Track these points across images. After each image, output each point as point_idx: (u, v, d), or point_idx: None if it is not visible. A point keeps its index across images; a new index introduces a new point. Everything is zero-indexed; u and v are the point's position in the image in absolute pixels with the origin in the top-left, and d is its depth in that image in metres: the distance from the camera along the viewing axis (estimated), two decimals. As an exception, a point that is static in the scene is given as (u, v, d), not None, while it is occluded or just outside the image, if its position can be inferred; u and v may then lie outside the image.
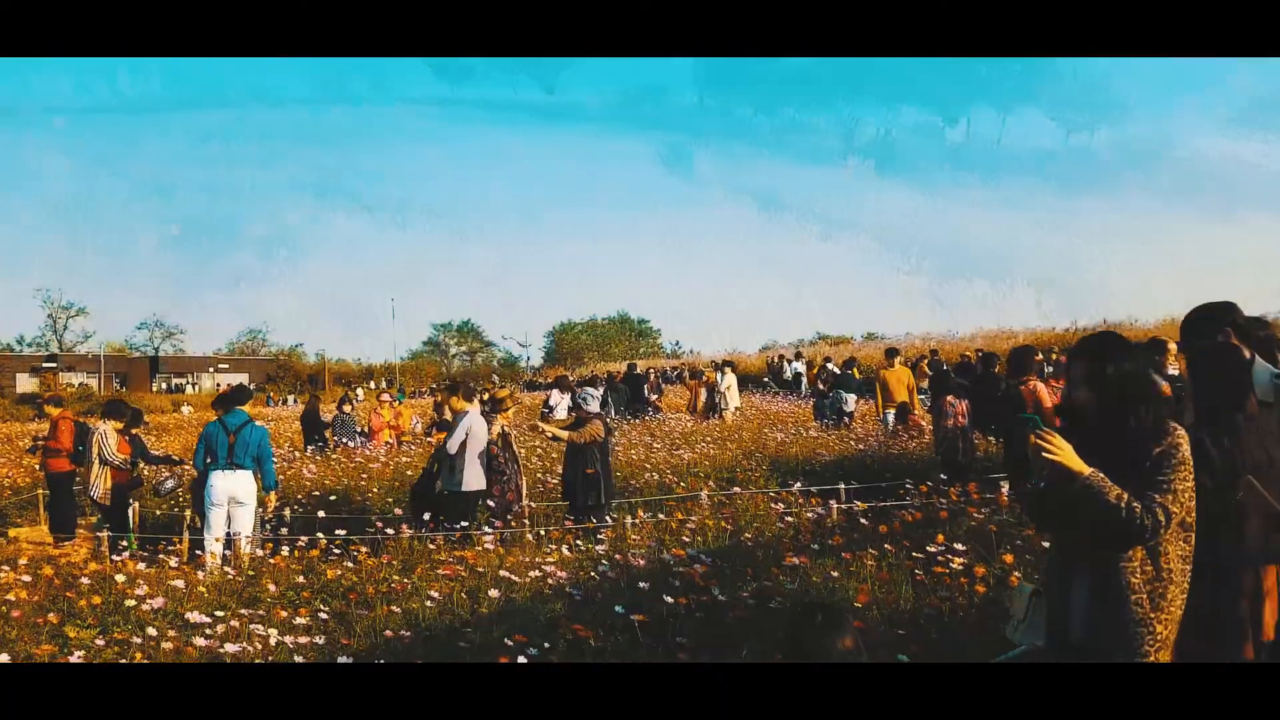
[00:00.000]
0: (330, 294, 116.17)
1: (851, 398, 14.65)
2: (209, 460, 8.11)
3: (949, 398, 9.27)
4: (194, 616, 4.50)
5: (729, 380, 16.88)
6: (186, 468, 9.80)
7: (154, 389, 61.42)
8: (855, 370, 15.48)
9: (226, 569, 6.56)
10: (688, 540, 6.01)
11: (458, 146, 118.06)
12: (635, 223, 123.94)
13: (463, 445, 7.76)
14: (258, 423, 8.47)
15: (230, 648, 3.96)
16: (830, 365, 20.39)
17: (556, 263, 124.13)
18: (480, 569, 5.02)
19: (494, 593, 4.54)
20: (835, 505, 6.94)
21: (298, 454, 13.53)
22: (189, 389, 61.98)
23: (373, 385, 50.98)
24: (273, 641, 4.19)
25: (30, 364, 59.20)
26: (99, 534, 8.61)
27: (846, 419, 14.13)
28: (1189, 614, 2.88)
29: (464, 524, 7.30)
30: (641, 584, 4.65)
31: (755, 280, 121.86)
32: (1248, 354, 3.83)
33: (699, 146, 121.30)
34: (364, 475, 10.27)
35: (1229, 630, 3.38)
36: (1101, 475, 2.62)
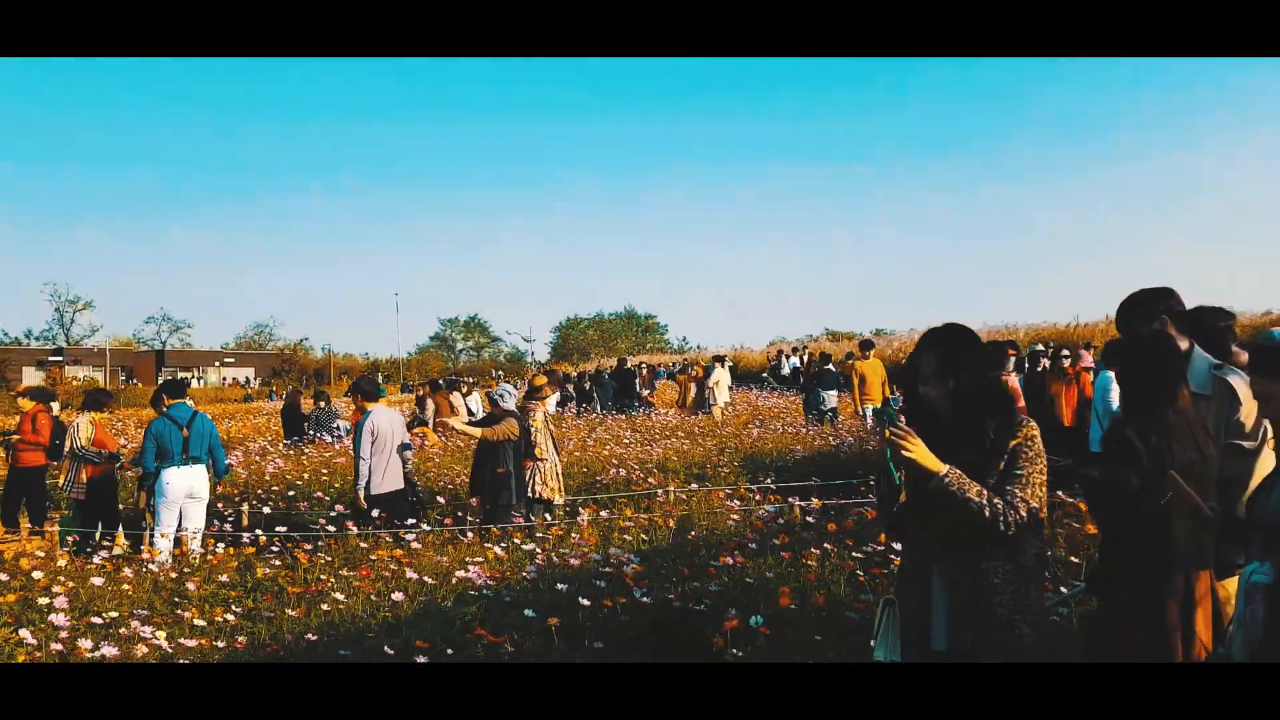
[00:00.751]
0: (337, 288, 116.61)
1: (831, 394, 14.43)
2: (159, 458, 7.96)
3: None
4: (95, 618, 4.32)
5: (717, 375, 16.66)
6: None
7: (159, 382, 61.53)
8: (832, 365, 15.19)
9: (167, 566, 6.39)
10: (630, 539, 5.80)
11: (463, 141, 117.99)
12: (643, 218, 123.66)
13: (372, 447, 7.47)
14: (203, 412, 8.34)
15: (109, 650, 3.78)
16: (829, 364, 20.15)
17: (565, 258, 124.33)
18: (409, 571, 4.80)
19: (398, 596, 4.33)
20: (795, 502, 6.72)
21: (270, 449, 13.35)
22: (195, 383, 62.09)
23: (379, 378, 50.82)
24: (162, 645, 4.01)
25: (37, 357, 59.42)
26: (53, 529, 8.46)
27: (830, 415, 13.90)
28: (1119, 621, 2.83)
29: (397, 523, 7.09)
30: (560, 585, 4.44)
31: (765, 276, 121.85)
32: (1185, 344, 3.61)
33: (710, 140, 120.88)
34: (326, 471, 10.09)
35: (1158, 638, 3.18)
36: (959, 472, 2.52)
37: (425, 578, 4.63)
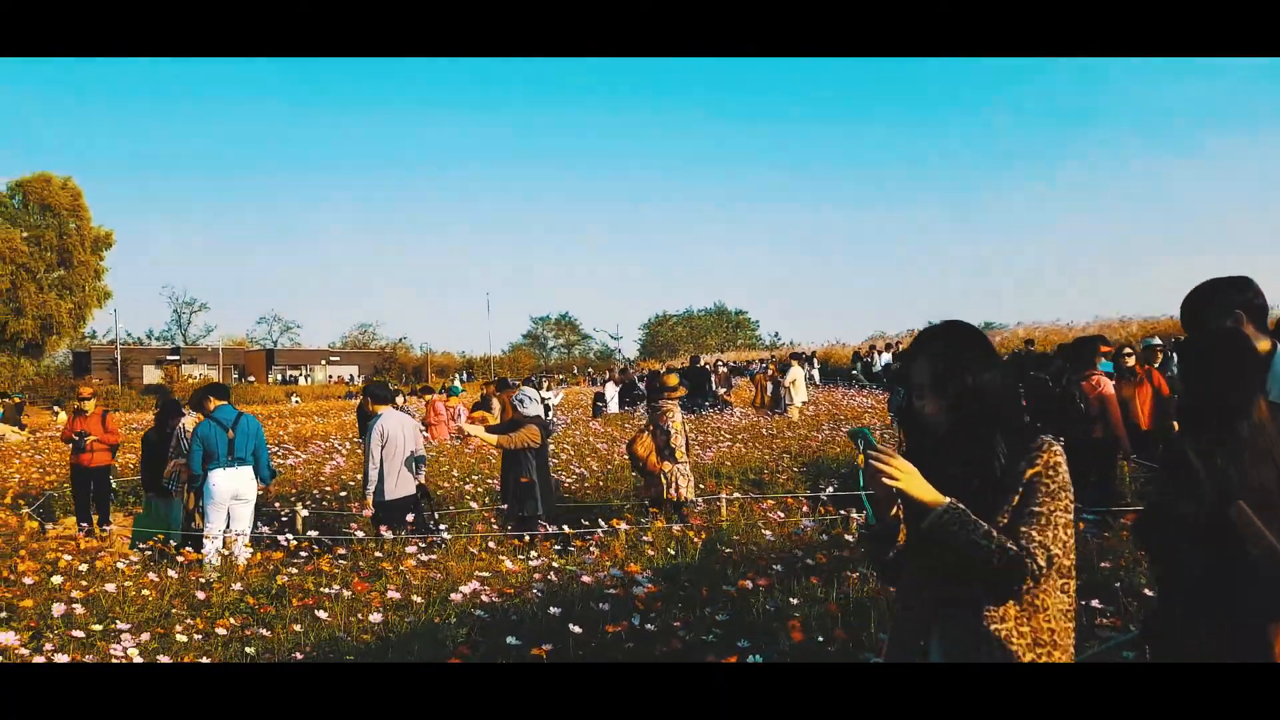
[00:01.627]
0: (435, 289, 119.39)
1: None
2: (206, 460, 7.96)
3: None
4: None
5: (793, 373, 16.03)
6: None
7: (270, 380, 64.00)
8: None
9: (210, 569, 6.32)
10: (653, 555, 5.40)
11: (551, 140, 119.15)
12: (736, 212, 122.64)
13: (382, 451, 7.30)
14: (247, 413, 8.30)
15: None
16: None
17: (655, 254, 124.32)
18: (390, 591, 4.50)
19: (375, 617, 4.04)
20: (851, 515, 6.20)
21: (338, 448, 13.43)
22: (301, 380, 64.39)
23: (460, 377, 51.65)
24: (134, 656, 3.83)
25: (156, 356, 62.51)
26: (110, 529, 8.56)
27: None
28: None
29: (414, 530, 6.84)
30: (553, 610, 4.07)
31: (862, 270, 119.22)
32: (1265, 345, 3.02)
33: (802, 136, 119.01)
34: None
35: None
36: (961, 507, 2.00)
37: (414, 596, 4.33)
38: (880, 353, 28.39)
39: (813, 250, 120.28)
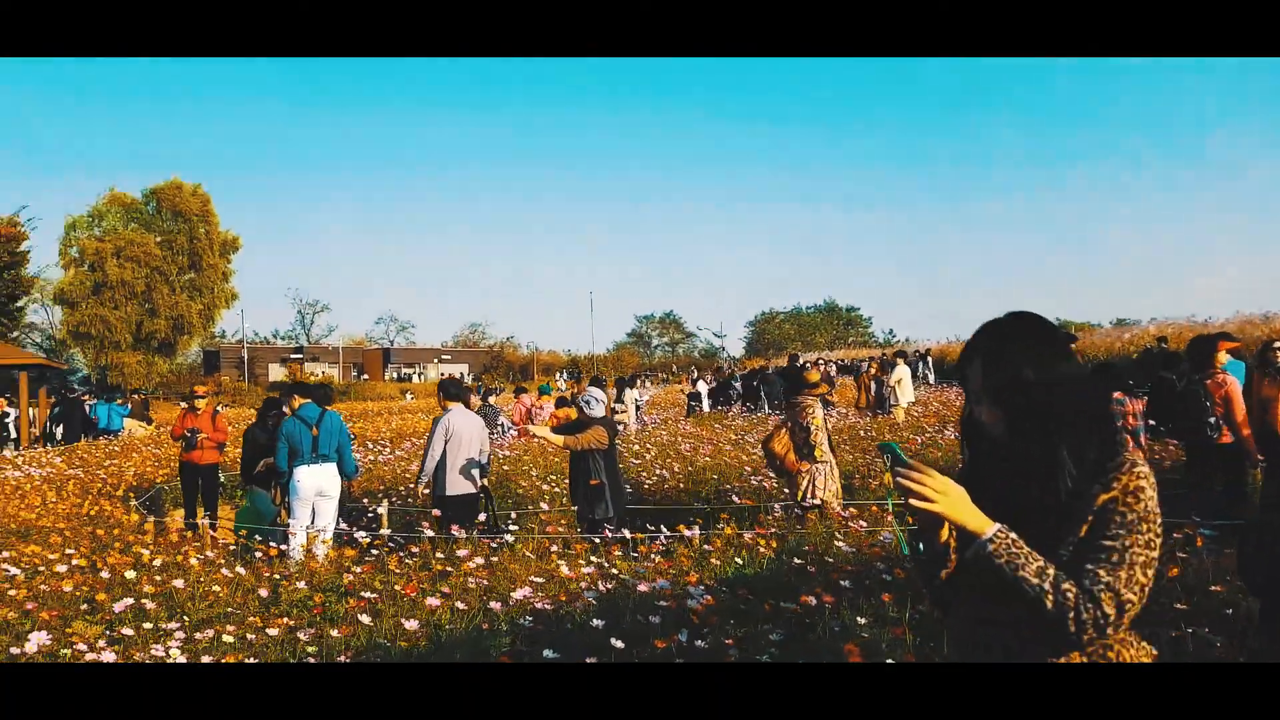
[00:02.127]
0: (542, 288, 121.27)
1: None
2: (291, 457, 8.08)
3: (1116, 394, 7.71)
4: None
5: (898, 372, 15.38)
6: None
7: (385, 378, 66.20)
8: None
9: (293, 564, 6.37)
10: (717, 564, 5.10)
11: (655, 137, 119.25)
12: (850, 209, 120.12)
13: (446, 446, 7.28)
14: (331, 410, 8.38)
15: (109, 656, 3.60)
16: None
17: (761, 251, 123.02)
18: (431, 599, 4.34)
19: (411, 624, 3.88)
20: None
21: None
22: (415, 378, 66.34)
23: (562, 376, 52.19)
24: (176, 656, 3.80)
25: (281, 355, 65.49)
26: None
27: None
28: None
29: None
30: (596, 622, 3.84)
31: (983, 263, 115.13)
32: None
33: (917, 133, 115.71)
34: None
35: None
36: (1011, 537, 1.68)
37: (458, 603, 4.17)
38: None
39: (930, 244, 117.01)
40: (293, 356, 64.26)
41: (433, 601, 4.12)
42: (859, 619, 3.96)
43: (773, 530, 5.68)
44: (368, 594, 4.50)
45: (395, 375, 67.16)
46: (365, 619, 4.10)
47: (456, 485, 7.32)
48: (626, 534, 6.30)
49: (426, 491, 7.83)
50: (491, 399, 17.83)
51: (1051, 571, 1.64)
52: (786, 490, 6.89)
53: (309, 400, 8.36)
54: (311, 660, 4.00)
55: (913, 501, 1.71)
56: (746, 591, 4.56)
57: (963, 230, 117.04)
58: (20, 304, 31.00)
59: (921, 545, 1.86)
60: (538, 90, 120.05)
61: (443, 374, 67.70)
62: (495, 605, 4.10)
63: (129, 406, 23.22)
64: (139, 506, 10.42)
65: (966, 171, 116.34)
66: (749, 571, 5.04)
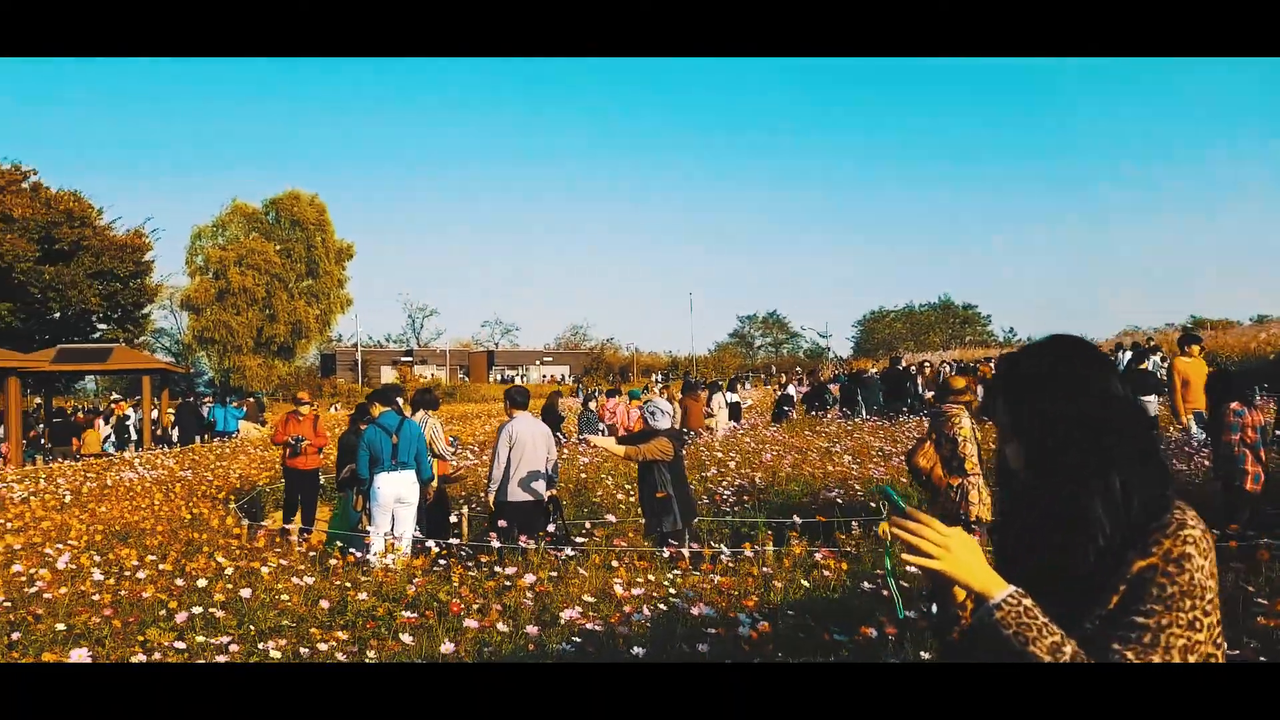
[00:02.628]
0: (643, 290, 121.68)
1: (1150, 400, 11.89)
2: (372, 464, 8.15)
3: (1233, 404, 7.02)
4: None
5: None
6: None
7: (490, 380, 67.61)
8: (1151, 362, 12.59)
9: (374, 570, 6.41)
10: (780, 585, 4.82)
11: (759, 134, 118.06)
12: (964, 199, 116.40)
13: (509, 453, 7.31)
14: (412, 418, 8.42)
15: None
16: (1144, 360, 17.01)
17: (867, 249, 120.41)
18: (468, 620, 4.19)
19: (447, 647, 3.75)
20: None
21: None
22: (518, 380, 67.49)
23: (658, 377, 52.08)
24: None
25: (392, 358, 67.64)
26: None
27: None
28: None
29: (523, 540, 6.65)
30: (636, 650, 3.64)
31: (1112, 258, 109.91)
32: None
33: (1050, 124, 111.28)
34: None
35: None
36: (1025, 604, 1.41)
37: (499, 625, 4.02)
38: (1125, 350, 25.47)
39: (1055, 235, 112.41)
40: (403, 359, 66.25)
41: (471, 623, 3.98)
42: (922, 654, 3.64)
43: (848, 549, 5.35)
44: (408, 613, 4.41)
45: (499, 377, 68.47)
46: (406, 638, 4.00)
47: (518, 493, 7.28)
48: (691, 549, 6.09)
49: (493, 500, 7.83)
50: (592, 404, 17.77)
51: (1069, 649, 1.37)
52: (939, 506, 6.42)
53: (389, 408, 8.43)
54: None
55: (910, 558, 1.45)
56: (809, 619, 4.28)
57: (1089, 221, 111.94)
58: (145, 311, 32.85)
59: (935, 606, 1.60)
60: (636, 93, 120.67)
61: (544, 376, 68.83)
62: (532, 629, 3.92)
63: (244, 409, 24.20)
64: (237, 510, 10.76)
65: (1093, 160, 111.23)
66: (818, 594, 4.75)
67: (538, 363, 71.90)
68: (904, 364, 18.38)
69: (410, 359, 66.55)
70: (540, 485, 7.40)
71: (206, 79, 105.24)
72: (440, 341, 76.56)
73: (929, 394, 18.18)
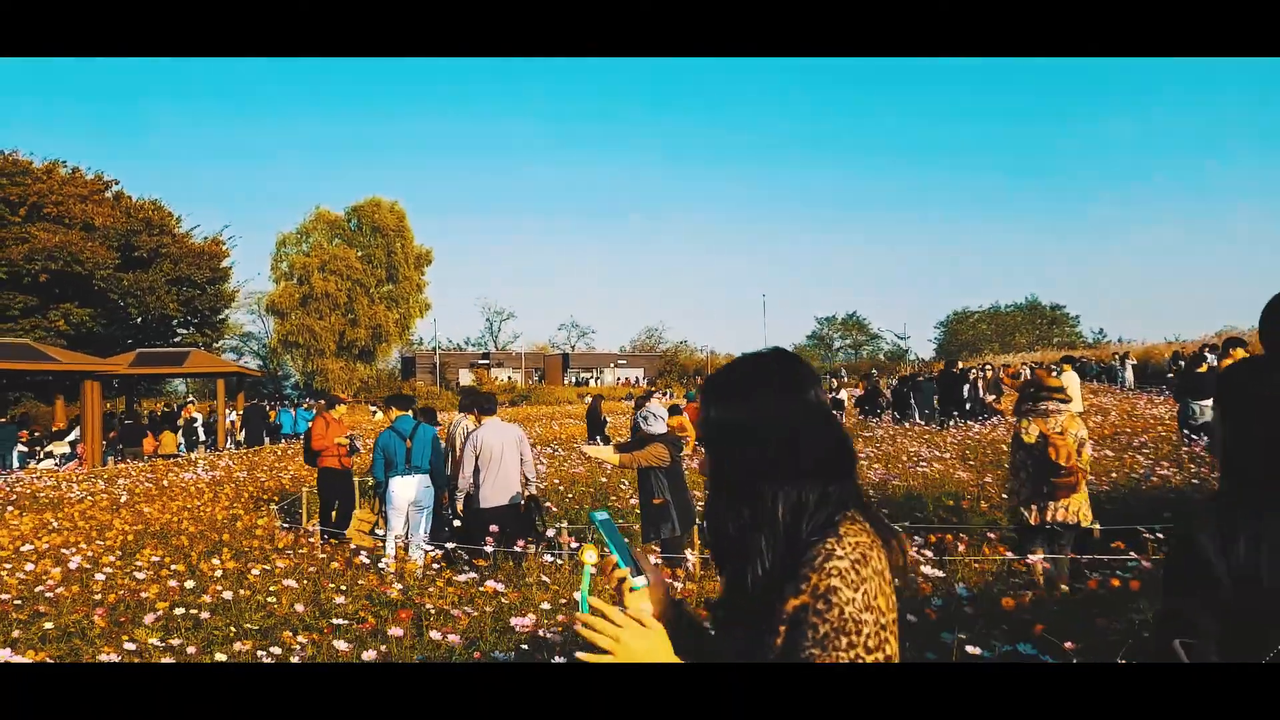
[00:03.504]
0: (717, 292, 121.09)
1: (1203, 405, 11.17)
2: (387, 468, 8.22)
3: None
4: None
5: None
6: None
7: (565, 382, 68.18)
8: (1206, 365, 11.83)
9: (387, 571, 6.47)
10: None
11: (834, 125, 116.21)
12: (1045, 198, 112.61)
13: (477, 461, 7.32)
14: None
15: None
16: (1200, 364, 15.94)
17: (948, 246, 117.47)
18: (387, 628, 4.13)
19: (368, 655, 3.66)
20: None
21: (561, 453, 13.56)
22: (592, 382, 67.90)
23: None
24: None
25: (470, 361, 68.80)
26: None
27: (1194, 437, 10.74)
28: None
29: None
30: (560, 659, 3.51)
31: (1207, 254, 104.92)
32: None
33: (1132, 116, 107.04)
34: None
35: None
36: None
37: (450, 635, 3.92)
38: (1210, 351, 24.12)
39: (1143, 235, 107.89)
40: (479, 362, 67.32)
41: (396, 631, 3.91)
42: (929, 655, 3.41)
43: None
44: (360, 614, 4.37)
45: (574, 379, 68.99)
46: (342, 645, 3.95)
47: (491, 499, 7.30)
48: (689, 557, 5.94)
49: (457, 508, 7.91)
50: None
51: None
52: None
53: (405, 413, 8.48)
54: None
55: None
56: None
57: (1181, 216, 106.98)
58: (223, 316, 34.11)
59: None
60: (714, 95, 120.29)
61: (618, 378, 69.03)
62: (454, 638, 3.83)
63: (314, 411, 24.84)
64: (279, 511, 11.00)
65: (1184, 154, 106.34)
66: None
67: (612, 365, 72.16)
68: (959, 366, 17.66)
69: (487, 362, 67.57)
70: (515, 490, 7.40)
71: (291, 82, 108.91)
72: (517, 345, 77.58)
73: (989, 398, 17.53)
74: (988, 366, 19.24)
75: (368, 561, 6.78)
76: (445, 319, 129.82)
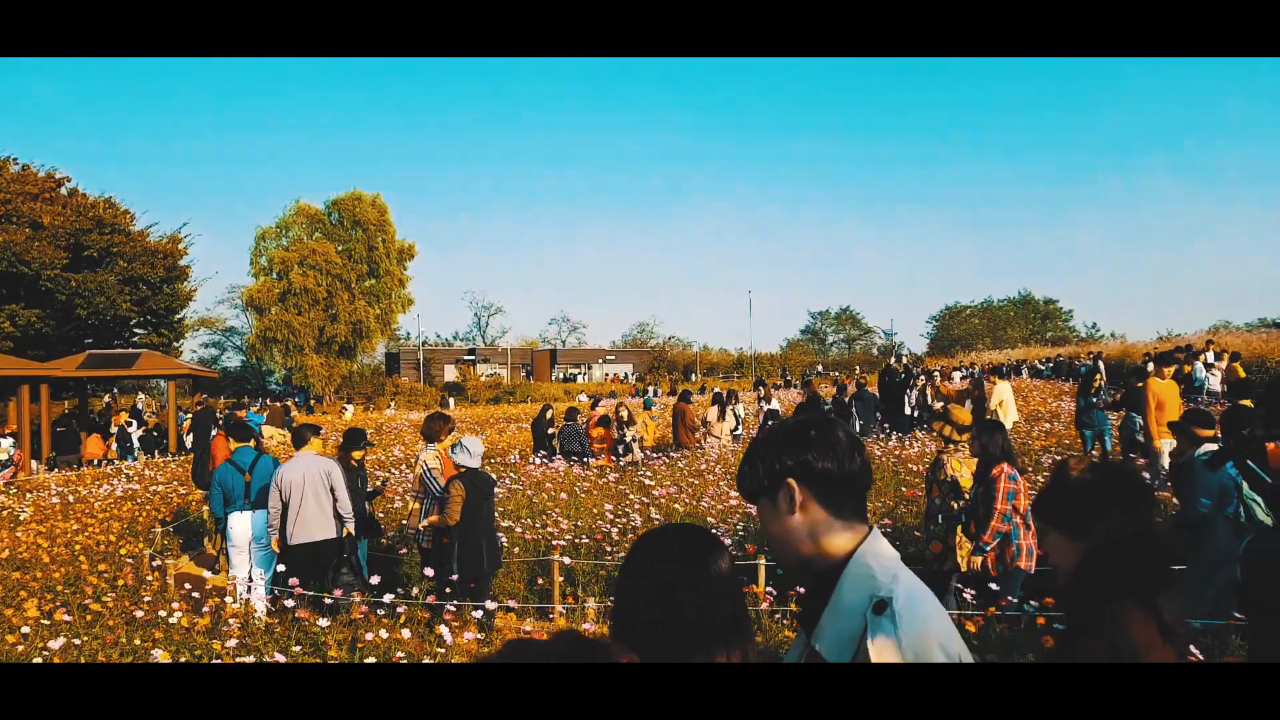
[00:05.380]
0: (711, 286, 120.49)
1: (1140, 418, 10.61)
2: (226, 503, 7.68)
3: None
4: None
5: (999, 393, 13.35)
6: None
7: (552, 378, 67.62)
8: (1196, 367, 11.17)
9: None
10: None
11: (826, 119, 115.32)
12: (1044, 192, 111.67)
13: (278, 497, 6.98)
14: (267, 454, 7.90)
15: None
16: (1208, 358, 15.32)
17: (943, 240, 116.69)
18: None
19: None
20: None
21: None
22: (580, 378, 67.36)
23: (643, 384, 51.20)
24: None
25: (455, 356, 68.26)
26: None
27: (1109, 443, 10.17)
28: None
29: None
30: None
31: (1202, 251, 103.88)
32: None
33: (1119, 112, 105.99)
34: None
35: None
36: None
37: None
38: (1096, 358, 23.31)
39: (1141, 229, 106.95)
40: (465, 358, 66.78)
41: None
42: None
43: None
44: None
45: (562, 375, 68.44)
46: None
47: (301, 536, 6.88)
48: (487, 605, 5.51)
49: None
50: (579, 416, 16.86)
51: None
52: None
53: (244, 444, 7.93)
54: None
55: None
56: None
57: (1177, 212, 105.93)
58: (179, 316, 33.47)
59: None
60: (699, 86, 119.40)
61: (607, 374, 68.35)
62: None
63: (264, 414, 24.34)
64: (165, 534, 10.44)
65: (1184, 150, 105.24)
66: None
67: (600, 361, 71.57)
68: (901, 373, 16.85)
69: (472, 358, 67.01)
70: (322, 527, 6.95)
71: (268, 79, 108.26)
72: (506, 340, 77.02)
73: (938, 405, 16.87)
74: (938, 371, 18.53)
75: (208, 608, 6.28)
76: (438, 314, 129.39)
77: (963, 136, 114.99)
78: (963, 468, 6.17)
